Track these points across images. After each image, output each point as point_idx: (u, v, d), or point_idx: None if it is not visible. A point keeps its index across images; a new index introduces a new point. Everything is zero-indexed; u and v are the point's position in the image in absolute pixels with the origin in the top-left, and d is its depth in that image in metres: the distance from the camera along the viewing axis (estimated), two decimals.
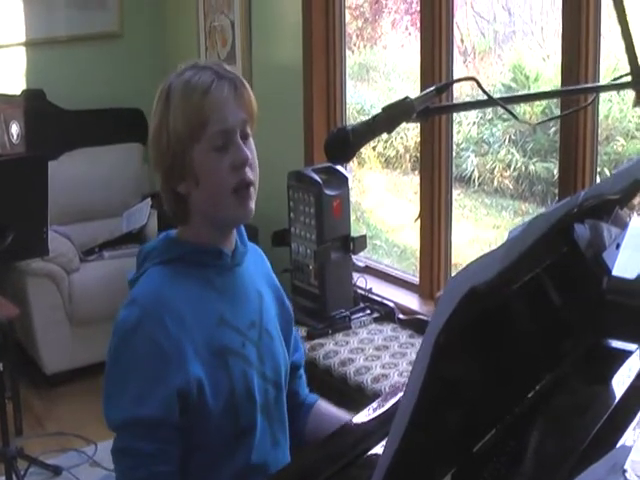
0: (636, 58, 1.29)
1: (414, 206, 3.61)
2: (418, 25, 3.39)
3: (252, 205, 1.55)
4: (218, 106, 1.49)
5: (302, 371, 1.85)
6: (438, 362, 0.93)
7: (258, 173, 1.56)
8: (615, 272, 1.57)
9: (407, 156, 4.37)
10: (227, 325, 1.55)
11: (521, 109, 3.61)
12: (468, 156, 4.07)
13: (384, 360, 2.88)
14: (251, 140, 1.55)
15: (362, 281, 3.38)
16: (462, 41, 4.09)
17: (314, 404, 1.81)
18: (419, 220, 3.40)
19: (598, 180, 2.74)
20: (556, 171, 2.90)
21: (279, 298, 1.76)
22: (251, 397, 1.56)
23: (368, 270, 3.55)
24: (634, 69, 1.30)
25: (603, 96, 3.15)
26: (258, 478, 1.56)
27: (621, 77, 1.39)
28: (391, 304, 3.28)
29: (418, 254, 3.47)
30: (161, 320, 1.46)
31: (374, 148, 4.46)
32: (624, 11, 1.28)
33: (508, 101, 1.49)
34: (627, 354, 1.54)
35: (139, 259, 1.61)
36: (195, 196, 1.54)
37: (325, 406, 1.82)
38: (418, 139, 3.47)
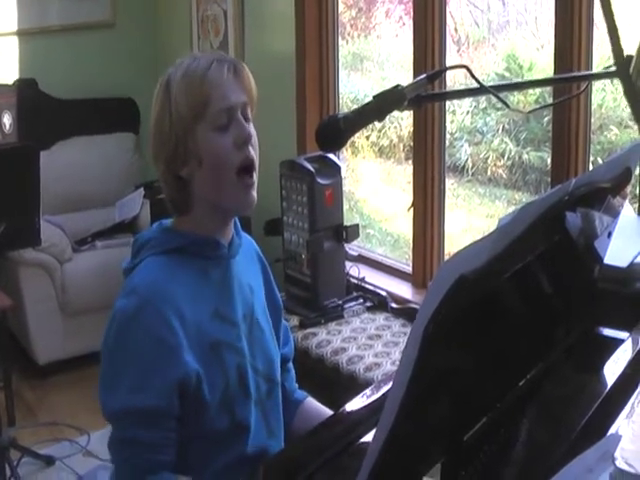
0: (621, 48, 1.28)
1: (408, 195, 3.60)
2: (412, 15, 3.38)
3: (254, 193, 1.53)
4: (218, 85, 1.48)
5: (290, 365, 1.84)
6: (427, 351, 0.92)
7: (259, 156, 1.55)
8: (607, 260, 1.57)
9: (401, 145, 4.37)
10: (222, 318, 1.54)
11: (515, 98, 3.60)
12: (462, 145, 4.06)
13: (377, 349, 2.88)
14: (252, 124, 1.54)
15: (355, 270, 3.37)
16: (456, 30, 4.09)
17: (302, 401, 1.80)
18: (412, 209, 3.39)
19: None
20: (549, 160, 2.90)
21: (269, 288, 1.75)
22: (246, 390, 1.56)
23: (361, 259, 3.55)
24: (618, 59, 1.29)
25: (597, 85, 3.15)
26: (254, 468, 1.56)
27: (612, 66, 1.39)
28: (384, 293, 3.27)
29: (411, 243, 3.47)
30: (161, 311, 1.44)
31: (368, 137, 4.45)
32: (609, 4, 1.27)
33: (499, 89, 1.49)
34: (618, 342, 1.53)
35: (134, 248, 1.58)
36: (198, 179, 1.52)
37: (314, 404, 1.80)
38: (412, 128, 3.46)
